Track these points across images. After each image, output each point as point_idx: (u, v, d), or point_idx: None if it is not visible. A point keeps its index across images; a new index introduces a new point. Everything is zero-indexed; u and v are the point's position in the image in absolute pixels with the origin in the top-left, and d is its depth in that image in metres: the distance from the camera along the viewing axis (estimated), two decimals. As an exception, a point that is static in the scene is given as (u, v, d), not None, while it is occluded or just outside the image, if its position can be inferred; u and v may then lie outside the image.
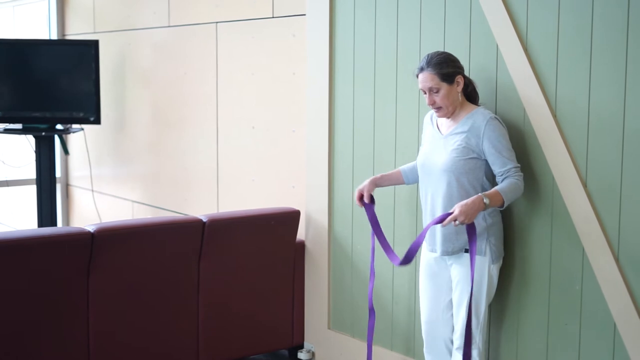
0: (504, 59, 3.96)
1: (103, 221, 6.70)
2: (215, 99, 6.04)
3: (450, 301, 4.02)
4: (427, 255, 4.08)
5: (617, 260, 3.59)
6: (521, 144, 3.91)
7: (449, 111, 3.87)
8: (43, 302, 4.27)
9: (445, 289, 4.02)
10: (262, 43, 5.58)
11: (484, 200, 3.66)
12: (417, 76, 3.87)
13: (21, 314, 4.22)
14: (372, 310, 4.24)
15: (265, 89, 5.59)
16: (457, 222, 3.64)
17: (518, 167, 3.80)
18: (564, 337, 3.84)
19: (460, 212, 3.64)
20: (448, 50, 4.10)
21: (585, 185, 3.69)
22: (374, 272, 4.25)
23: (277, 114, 5.50)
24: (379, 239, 4.09)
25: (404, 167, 4.28)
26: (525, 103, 3.88)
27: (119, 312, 4.52)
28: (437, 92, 3.82)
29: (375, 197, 4.18)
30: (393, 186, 4.52)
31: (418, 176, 4.11)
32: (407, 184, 4.27)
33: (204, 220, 4.73)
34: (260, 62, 5.61)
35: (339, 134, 4.97)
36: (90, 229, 4.37)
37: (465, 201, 3.67)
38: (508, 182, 3.77)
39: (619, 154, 3.55)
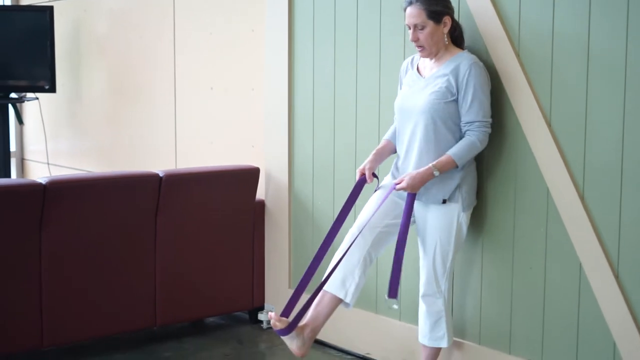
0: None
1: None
2: (173, 62, 5.92)
3: (392, 225, 3.87)
4: (390, 180, 3.95)
5: (582, 198, 3.54)
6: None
7: (431, 52, 3.76)
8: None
9: (396, 214, 3.88)
10: (220, 0, 5.47)
11: (434, 172, 3.68)
12: (405, 9, 3.74)
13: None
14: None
15: (224, 48, 5.48)
16: (398, 187, 3.72)
17: (485, 122, 3.72)
18: (529, 280, 3.79)
19: (407, 184, 3.69)
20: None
21: (549, 125, 3.63)
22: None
23: (236, 73, 5.40)
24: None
25: (387, 135, 4.08)
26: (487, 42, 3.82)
27: (72, 267, 4.39)
28: (422, 29, 3.70)
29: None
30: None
31: None
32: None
33: (161, 175, 4.61)
34: (218, 20, 5.50)
35: (299, 90, 4.87)
36: (42, 181, 4.24)
37: (415, 172, 3.70)
38: (464, 142, 3.71)
39: (584, 87, 3.50)
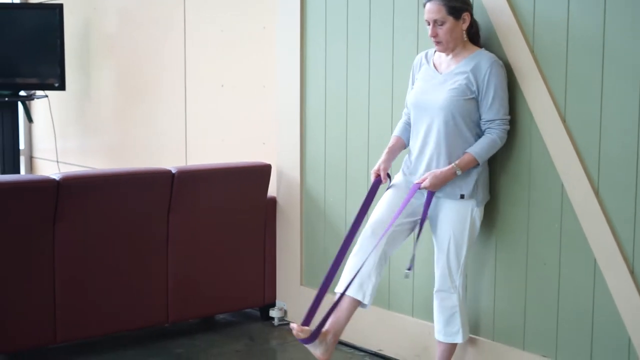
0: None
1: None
2: (183, 59, 5.92)
3: (405, 223, 3.89)
4: (402, 179, 3.96)
5: (597, 193, 3.53)
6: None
7: (449, 47, 3.76)
8: (8, 248, 4.15)
9: (409, 212, 3.87)
10: (231, -3, 5.49)
11: (456, 172, 3.71)
12: (425, 5, 3.74)
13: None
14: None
15: (235, 45, 5.48)
16: (422, 186, 3.76)
17: (505, 119, 3.74)
18: (543, 275, 3.77)
19: (430, 183, 3.72)
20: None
21: (564, 120, 3.62)
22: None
23: (247, 70, 5.39)
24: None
25: (397, 132, 4.07)
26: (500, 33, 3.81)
27: (85, 263, 4.40)
28: (442, 25, 3.70)
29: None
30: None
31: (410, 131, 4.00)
32: (408, 146, 4.06)
33: (173, 171, 4.61)
34: (229, 17, 5.50)
35: (311, 87, 4.86)
36: (56, 177, 4.25)
37: (438, 171, 3.72)
38: (485, 141, 3.73)
39: (599, 82, 3.49)
